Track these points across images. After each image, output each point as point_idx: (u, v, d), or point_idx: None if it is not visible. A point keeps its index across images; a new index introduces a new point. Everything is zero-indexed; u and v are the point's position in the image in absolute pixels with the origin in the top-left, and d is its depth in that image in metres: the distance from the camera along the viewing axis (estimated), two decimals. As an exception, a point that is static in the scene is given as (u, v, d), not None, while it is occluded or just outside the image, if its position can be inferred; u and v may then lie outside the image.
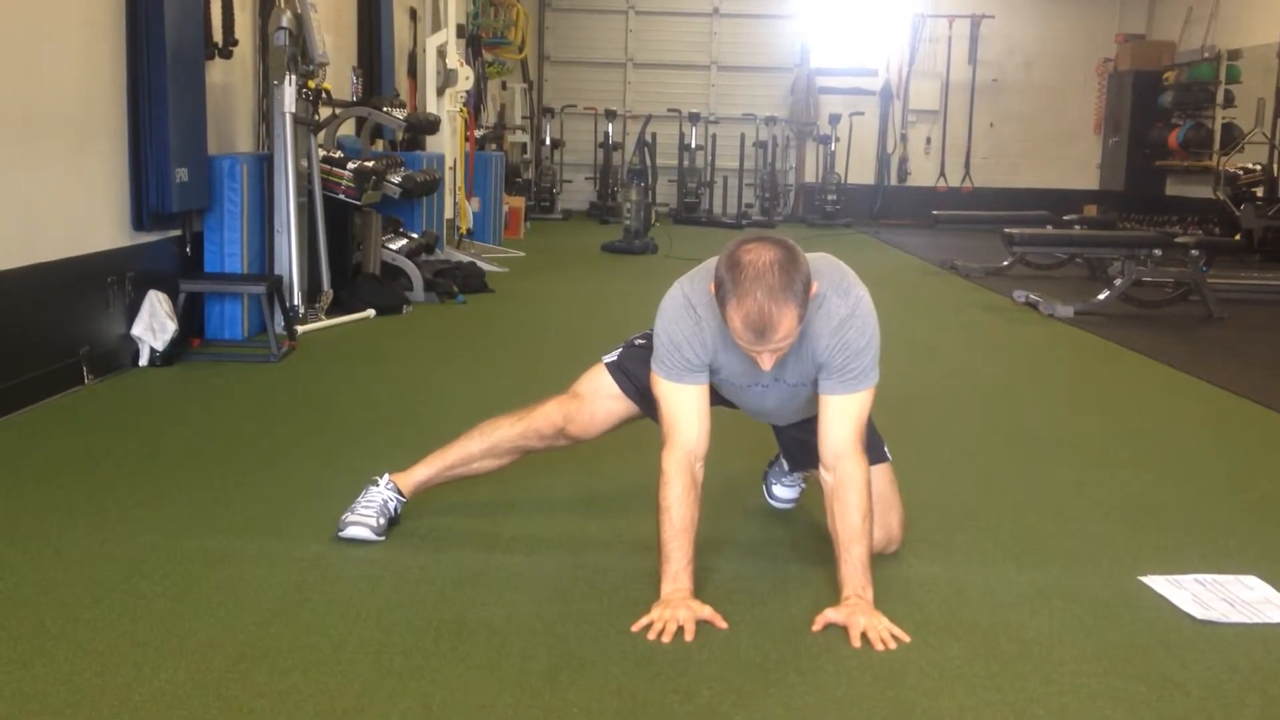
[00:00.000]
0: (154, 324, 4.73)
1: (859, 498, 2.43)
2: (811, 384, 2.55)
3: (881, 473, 2.72)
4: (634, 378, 2.72)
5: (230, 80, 5.78)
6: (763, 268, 2.25)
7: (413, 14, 9.49)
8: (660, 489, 2.46)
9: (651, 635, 2.28)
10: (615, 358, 2.80)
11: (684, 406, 2.50)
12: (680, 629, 2.29)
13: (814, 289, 2.35)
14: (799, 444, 2.85)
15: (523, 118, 14.05)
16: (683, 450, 2.48)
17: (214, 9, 5.39)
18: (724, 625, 2.33)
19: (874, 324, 2.50)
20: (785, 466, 3.07)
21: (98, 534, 2.78)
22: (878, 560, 2.55)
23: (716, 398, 2.69)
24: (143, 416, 4.07)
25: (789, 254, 2.29)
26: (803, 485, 3.10)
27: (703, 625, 2.32)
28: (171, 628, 2.27)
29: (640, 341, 2.76)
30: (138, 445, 3.66)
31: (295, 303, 5.64)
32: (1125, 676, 2.19)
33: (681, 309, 2.50)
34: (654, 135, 13.67)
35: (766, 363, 2.37)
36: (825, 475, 2.49)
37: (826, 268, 2.49)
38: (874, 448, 2.68)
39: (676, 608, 2.32)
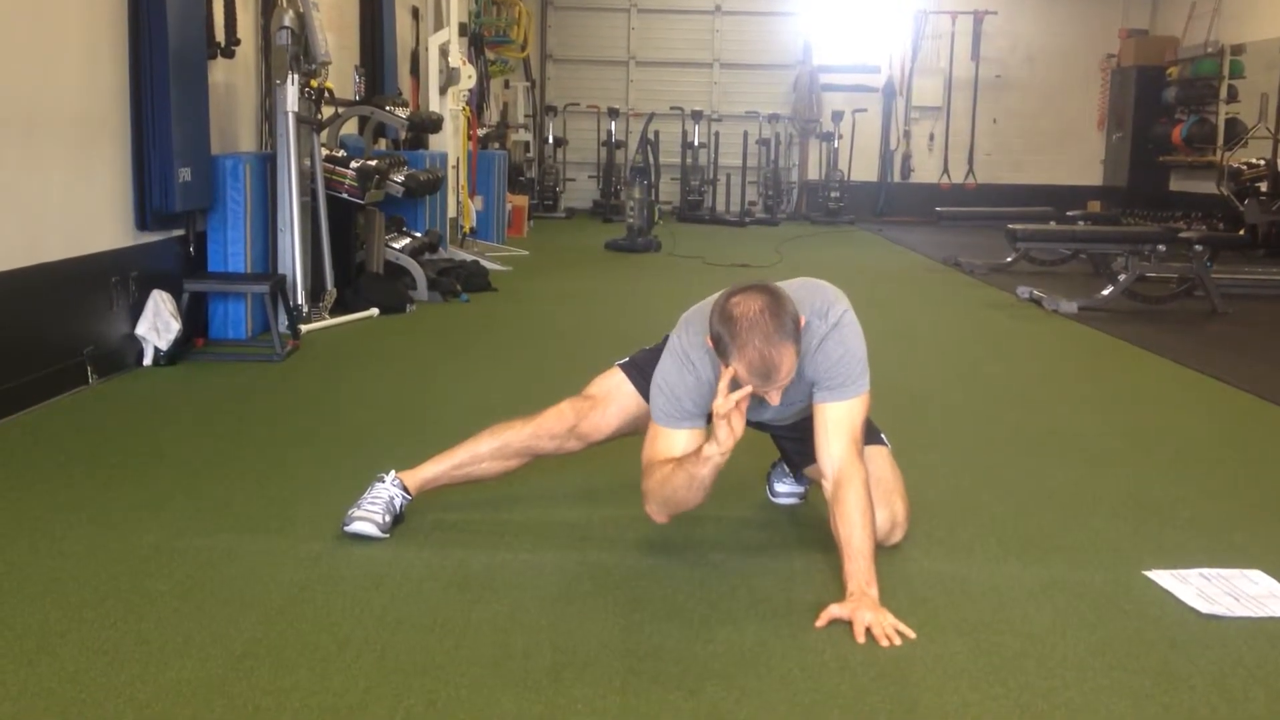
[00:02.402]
0: (158, 324, 4.74)
1: (859, 496, 2.46)
2: (806, 398, 2.64)
3: (880, 455, 2.77)
4: (647, 375, 2.77)
5: (233, 80, 5.78)
6: (754, 317, 2.35)
7: (415, 13, 9.49)
8: (649, 491, 2.59)
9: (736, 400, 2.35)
10: (628, 359, 2.89)
11: (675, 449, 2.57)
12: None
13: (802, 321, 2.45)
14: (794, 444, 2.91)
15: (525, 116, 14.05)
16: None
17: (216, 9, 5.39)
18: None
19: (854, 336, 2.58)
20: (786, 470, 3.13)
21: (102, 533, 2.79)
22: (881, 555, 2.55)
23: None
24: (147, 416, 4.07)
25: (774, 298, 2.40)
26: (806, 486, 3.11)
27: (708, 618, 2.31)
28: (176, 626, 2.27)
29: (652, 347, 2.84)
30: (142, 444, 3.66)
31: (299, 302, 5.64)
32: (1129, 671, 2.18)
33: (680, 364, 2.59)
34: (657, 133, 13.66)
35: (774, 399, 2.46)
36: (824, 482, 2.54)
37: (807, 296, 2.58)
38: (869, 432, 2.71)
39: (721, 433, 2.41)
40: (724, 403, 2.37)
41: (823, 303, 2.57)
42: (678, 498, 2.55)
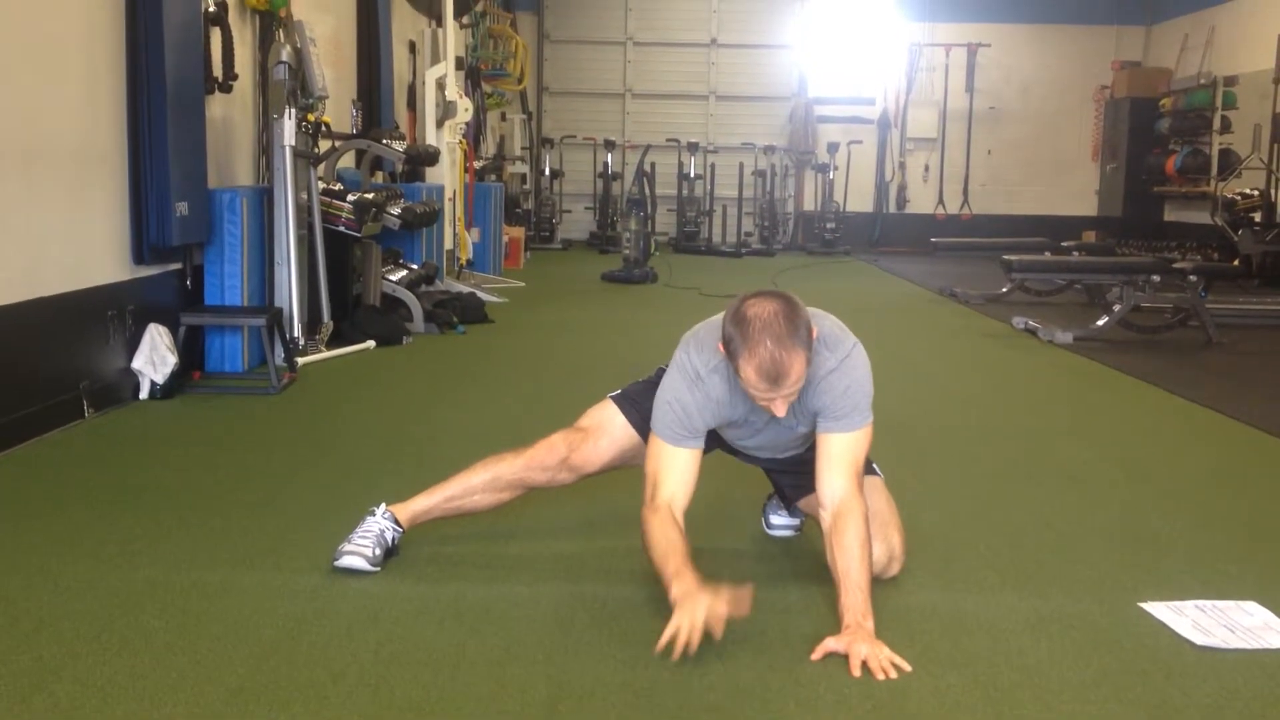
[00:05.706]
0: (154, 357, 4.74)
1: (858, 529, 2.47)
2: (803, 441, 2.67)
3: (875, 487, 2.77)
4: (640, 408, 2.79)
5: (230, 114, 5.81)
6: (768, 319, 2.36)
7: (412, 47, 9.55)
8: (643, 530, 2.51)
9: (676, 653, 2.23)
10: (620, 391, 2.89)
11: (673, 467, 2.57)
12: (708, 633, 2.26)
13: (815, 333, 2.44)
14: (788, 478, 2.91)
15: (522, 149, 14.12)
16: (664, 501, 2.53)
17: (214, 44, 5.43)
18: (745, 610, 2.32)
19: (862, 369, 2.59)
20: (780, 505, 3.12)
21: (97, 567, 2.78)
22: (877, 587, 2.54)
23: (710, 441, 2.75)
24: (143, 450, 4.07)
25: (789, 304, 2.40)
26: (801, 519, 3.11)
27: (703, 652, 2.30)
28: (171, 661, 2.27)
29: (645, 380, 2.86)
30: (138, 478, 3.66)
31: (295, 335, 5.65)
32: (1125, 703, 2.18)
33: (690, 380, 2.58)
34: (653, 165, 13.75)
35: (780, 409, 2.45)
36: (823, 513, 2.54)
37: (821, 324, 2.56)
38: None
39: (693, 606, 2.27)
40: (681, 632, 2.26)
41: (834, 335, 2.58)
42: (651, 556, 2.50)
